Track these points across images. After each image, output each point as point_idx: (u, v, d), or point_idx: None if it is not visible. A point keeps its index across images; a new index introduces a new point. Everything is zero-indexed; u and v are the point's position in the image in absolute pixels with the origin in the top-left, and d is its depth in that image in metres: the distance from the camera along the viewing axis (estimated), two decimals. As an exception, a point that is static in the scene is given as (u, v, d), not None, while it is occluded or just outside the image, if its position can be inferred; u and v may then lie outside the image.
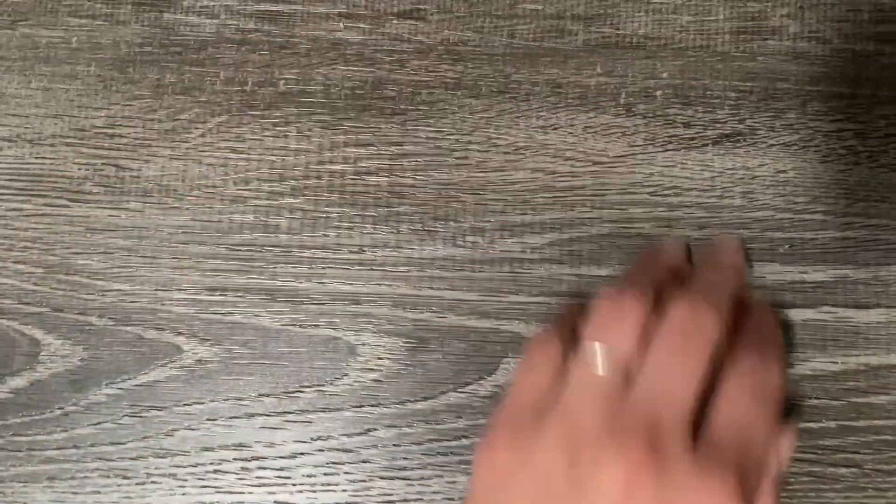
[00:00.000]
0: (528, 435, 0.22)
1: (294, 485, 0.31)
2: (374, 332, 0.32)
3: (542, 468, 0.22)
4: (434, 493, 0.31)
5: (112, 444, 0.32)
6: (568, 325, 0.26)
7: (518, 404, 0.24)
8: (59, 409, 0.32)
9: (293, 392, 0.32)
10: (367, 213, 0.33)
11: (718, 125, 0.32)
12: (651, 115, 0.33)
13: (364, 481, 0.31)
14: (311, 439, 0.32)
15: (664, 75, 0.33)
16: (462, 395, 0.31)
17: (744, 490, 0.21)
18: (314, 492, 0.31)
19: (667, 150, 0.32)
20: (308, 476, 0.31)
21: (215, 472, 0.32)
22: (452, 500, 0.31)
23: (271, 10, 0.34)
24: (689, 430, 0.21)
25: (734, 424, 0.22)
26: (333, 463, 0.31)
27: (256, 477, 0.31)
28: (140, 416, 0.32)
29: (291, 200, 0.33)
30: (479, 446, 0.23)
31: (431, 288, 0.32)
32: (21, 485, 0.32)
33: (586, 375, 0.23)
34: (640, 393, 0.22)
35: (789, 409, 0.25)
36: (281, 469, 0.31)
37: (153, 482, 0.32)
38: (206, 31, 0.34)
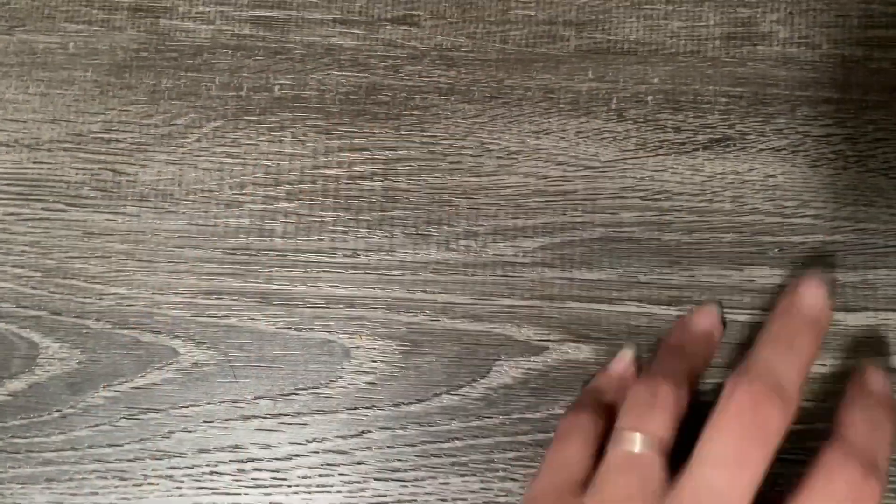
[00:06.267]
0: None
1: (289, 486, 0.32)
2: (368, 335, 0.32)
3: None
4: (427, 494, 0.31)
5: (110, 445, 0.32)
6: (597, 400, 0.27)
7: (555, 479, 0.25)
8: (58, 411, 0.32)
9: (288, 394, 0.32)
10: (361, 218, 0.33)
11: (709, 130, 0.33)
12: (642, 119, 0.33)
13: (359, 482, 0.32)
14: (306, 441, 0.32)
15: (655, 80, 0.33)
16: (455, 397, 0.32)
17: None
18: (309, 493, 0.32)
19: (658, 155, 0.33)
20: (303, 477, 0.32)
21: (211, 473, 0.32)
22: (445, 501, 0.31)
23: (266, 16, 0.34)
24: None
25: None
26: (328, 464, 0.32)
27: (252, 478, 0.32)
28: (137, 419, 0.32)
29: (286, 205, 0.33)
30: None
31: (425, 291, 0.32)
32: (19, 486, 0.32)
33: (623, 454, 0.23)
34: (687, 485, 0.21)
35: None
36: (276, 471, 0.32)
37: (150, 483, 0.32)
38: (202, 37, 0.34)
